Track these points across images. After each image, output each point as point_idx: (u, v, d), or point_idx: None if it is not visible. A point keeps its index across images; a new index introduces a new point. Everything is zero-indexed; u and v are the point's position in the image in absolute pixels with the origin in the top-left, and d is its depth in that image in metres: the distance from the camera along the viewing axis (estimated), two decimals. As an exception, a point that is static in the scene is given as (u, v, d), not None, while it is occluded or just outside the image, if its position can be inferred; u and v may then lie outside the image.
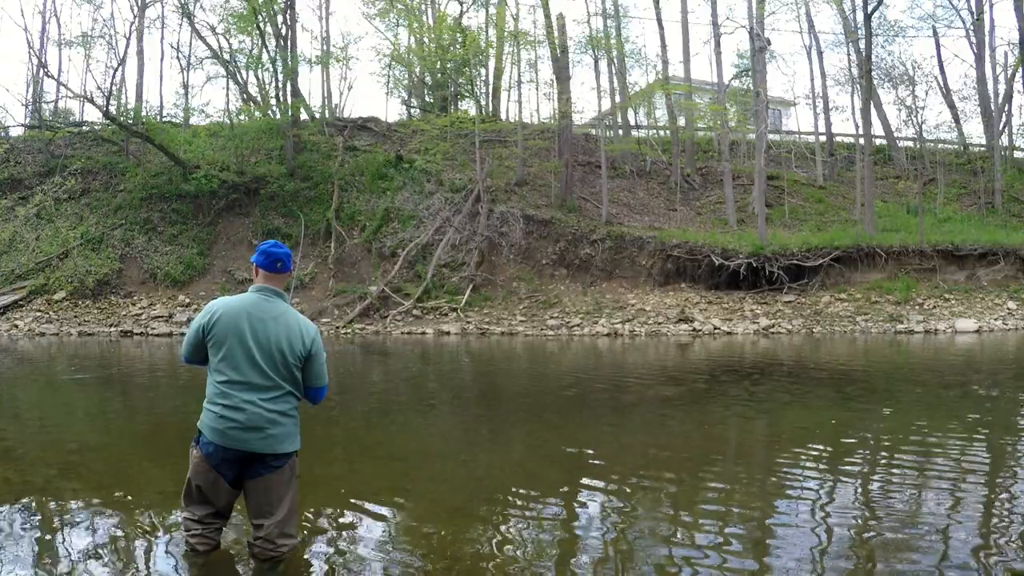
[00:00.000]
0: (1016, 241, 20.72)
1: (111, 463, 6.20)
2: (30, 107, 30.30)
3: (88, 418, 8.65)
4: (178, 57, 35.04)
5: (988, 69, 28.77)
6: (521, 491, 5.14)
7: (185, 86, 32.31)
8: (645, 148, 28.05)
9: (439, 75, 32.98)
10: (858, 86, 26.91)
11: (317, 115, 30.65)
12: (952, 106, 30.27)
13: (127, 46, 28.16)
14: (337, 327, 19.60)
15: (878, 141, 28.43)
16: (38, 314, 20.61)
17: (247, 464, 3.52)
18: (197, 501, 3.63)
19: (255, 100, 27.81)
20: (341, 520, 4.52)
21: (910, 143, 30.79)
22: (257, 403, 3.45)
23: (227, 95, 41.19)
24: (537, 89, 49.51)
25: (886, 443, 6.58)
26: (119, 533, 4.22)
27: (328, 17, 45.05)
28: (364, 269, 22.44)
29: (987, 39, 28.86)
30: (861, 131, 25.20)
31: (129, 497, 4.91)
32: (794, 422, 7.87)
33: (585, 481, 5.47)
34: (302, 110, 28.29)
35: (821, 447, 6.45)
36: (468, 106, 34.18)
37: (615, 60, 28.74)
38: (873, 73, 25.03)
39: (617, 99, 29.52)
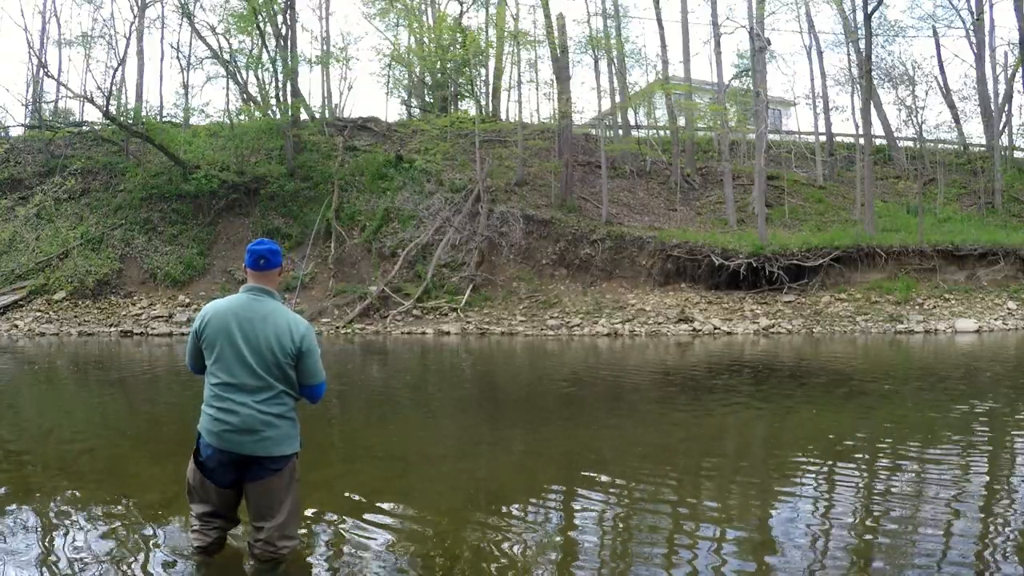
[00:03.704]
0: (1016, 241, 20.71)
1: (111, 463, 6.20)
2: (30, 107, 30.29)
3: (88, 418, 8.65)
4: (178, 57, 35.06)
5: (988, 69, 28.78)
6: (521, 491, 5.14)
7: (185, 86, 32.32)
8: (645, 148, 28.04)
9: (439, 75, 32.98)
10: (858, 86, 26.91)
11: (317, 115, 30.64)
12: (952, 106, 30.27)
13: (127, 46, 28.19)
14: (337, 327, 19.60)
15: (878, 141, 28.42)
16: (38, 314, 20.61)
17: (246, 466, 3.50)
18: (195, 499, 3.64)
19: (255, 100, 27.80)
20: (341, 520, 4.52)
21: (910, 143, 30.78)
22: (250, 405, 3.43)
23: (227, 95, 41.26)
24: (537, 89, 49.51)
25: (886, 442, 6.58)
26: (119, 533, 4.22)
27: (328, 17, 45.01)
28: (364, 269, 22.43)
29: (987, 39, 28.86)
30: (861, 131, 25.20)
31: (129, 497, 4.91)
32: (794, 421, 7.87)
33: (585, 481, 5.46)
34: (302, 110, 28.28)
35: (821, 446, 6.45)
36: (468, 106, 34.20)
37: (615, 60, 28.73)
38: (873, 73, 25.02)
39: (617, 99, 29.52)
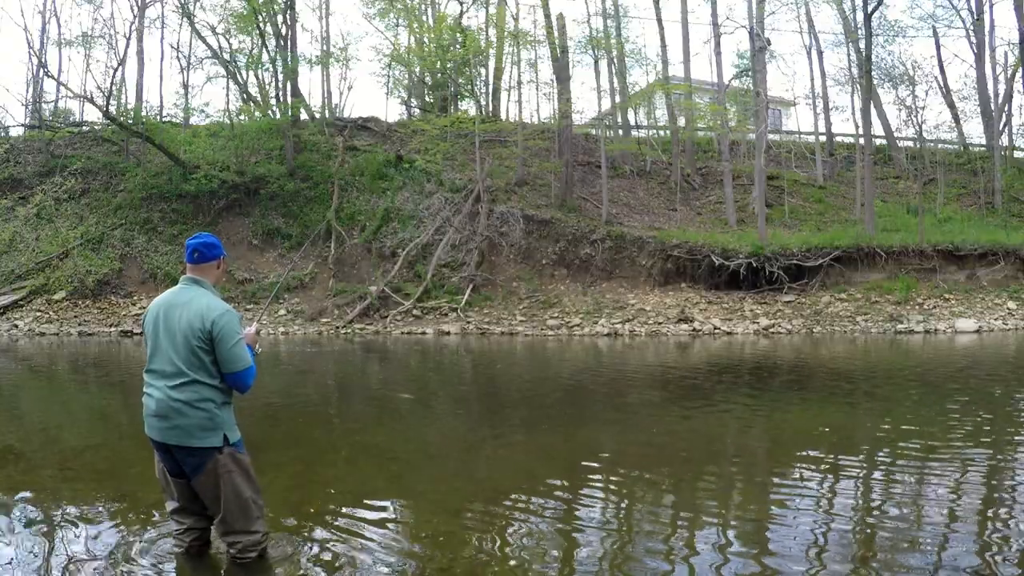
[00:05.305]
0: (1016, 241, 20.69)
1: (111, 462, 6.20)
2: (30, 107, 30.29)
3: (88, 417, 8.65)
4: (178, 57, 34.93)
5: (988, 69, 28.75)
6: (521, 491, 5.13)
7: (185, 86, 32.25)
8: (645, 148, 28.03)
9: (439, 75, 32.95)
10: (858, 86, 26.90)
11: (317, 115, 30.63)
12: (952, 106, 30.25)
13: (127, 46, 28.18)
14: (337, 327, 19.60)
15: (878, 141, 28.40)
16: (38, 314, 20.61)
17: (176, 458, 3.51)
18: (165, 495, 3.68)
19: (255, 100, 27.80)
20: (341, 520, 4.52)
21: (910, 143, 30.75)
22: (164, 390, 3.43)
23: (227, 95, 41.34)
24: (537, 89, 49.31)
25: (886, 443, 6.58)
26: (118, 532, 4.22)
27: (328, 17, 44.84)
28: (364, 269, 22.43)
29: (987, 39, 28.84)
30: (861, 131, 25.19)
31: (129, 496, 4.91)
32: (794, 421, 7.87)
33: (585, 481, 5.47)
34: (302, 110, 28.28)
35: (821, 447, 6.45)
36: (468, 106, 34.17)
37: (615, 60, 28.71)
38: (873, 73, 25.02)
39: (617, 99, 29.51)
